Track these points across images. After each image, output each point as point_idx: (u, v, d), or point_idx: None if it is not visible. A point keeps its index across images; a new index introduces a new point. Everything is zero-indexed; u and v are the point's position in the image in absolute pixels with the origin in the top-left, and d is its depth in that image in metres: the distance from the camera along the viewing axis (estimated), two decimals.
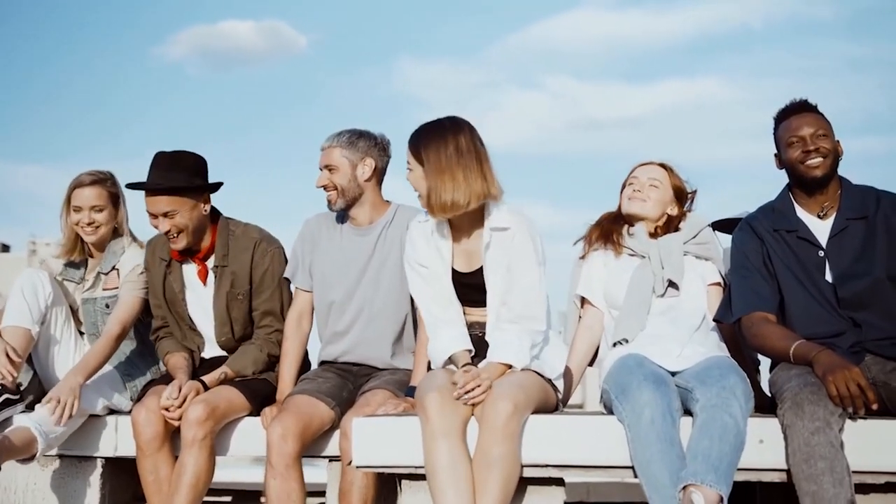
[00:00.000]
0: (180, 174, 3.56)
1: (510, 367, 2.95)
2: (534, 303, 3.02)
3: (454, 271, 3.11)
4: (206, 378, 3.51)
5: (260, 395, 3.57)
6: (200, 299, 3.70)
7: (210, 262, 3.68)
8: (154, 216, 3.55)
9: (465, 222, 3.09)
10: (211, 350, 3.76)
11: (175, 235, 3.55)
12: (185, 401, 3.37)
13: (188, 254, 3.67)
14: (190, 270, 3.71)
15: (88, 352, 3.68)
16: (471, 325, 3.12)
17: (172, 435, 3.42)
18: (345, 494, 3.19)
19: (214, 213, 3.71)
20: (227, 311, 3.66)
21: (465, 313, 3.13)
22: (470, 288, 3.11)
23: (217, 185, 3.69)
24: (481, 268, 3.08)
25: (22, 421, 3.39)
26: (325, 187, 3.55)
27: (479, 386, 2.83)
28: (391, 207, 3.64)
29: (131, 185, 3.67)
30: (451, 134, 3.01)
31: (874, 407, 2.73)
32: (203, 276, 3.69)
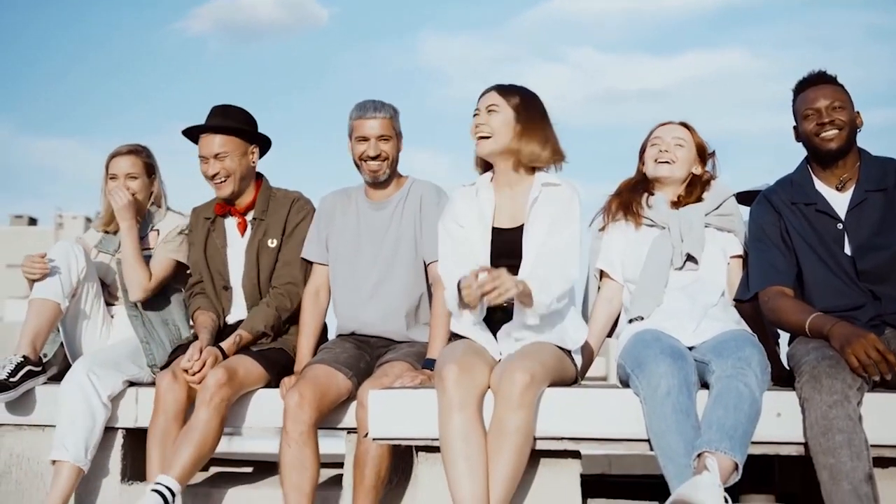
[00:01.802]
0: (235, 121, 3.77)
1: (530, 301, 2.88)
2: (569, 258, 3.02)
3: (494, 229, 3.11)
4: (224, 345, 3.55)
5: (277, 364, 3.61)
6: (237, 252, 3.81)
7: (249, 216, 3.81)
8: (206, 159, 3.72)
9: (514, 179, 3.14)
10: (237, 313, 3.81)
11: (223, 179, 3.72)
12: (204, 365, 3.42)
13: (230, 204, 3.80)
14: (231, 224, 3.84)
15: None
16: None
17: (189, 408, 3.45)
18: (359, 465, 3.21)
19: (258, 176, 3.87)
20: (257, 258, 3.76)
21: None
22: (507, 247, 3.08)
23: (267, 141, 3.86)
24: (522, 225, 3.09)
25: (60, 456, 3.41)
26: (377, 157, 3.55)
27: (497, 287, 2.76)
28: (408, 181, 3.67)
29: (189, 129, 3.82)
30: (538, 97, 3.19)
31: None
32: (242, 228, 3.82)
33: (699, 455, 2.61)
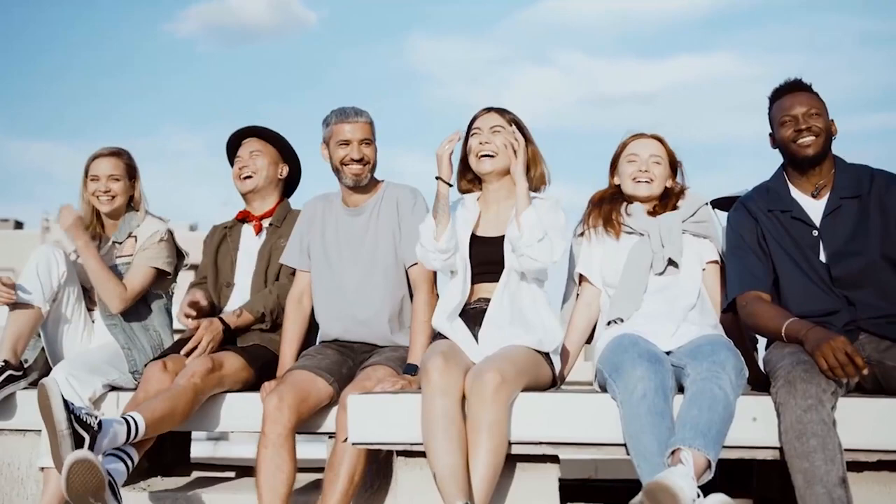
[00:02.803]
0: (270, 133, 3.98)
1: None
2: (554, 238, 3.09)
3: (479, 237, 3.21)
4: (224, 316, 3.67)
5: (260, 359, 3.64)
6: (248, 253, 3.90)
7: (266, 222, 3.96)
8: (241, 157, 3.93)
9: (503, 195, 3.25)
10: (234, 301, 3.86)
11: (250, 174, 3.91)
12: (199, 313, 3.62)
13: (250, 202, 3.97)
14: (247, 228, 3.98)
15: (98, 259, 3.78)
16: (477, 301, 3.18)
17: None
18: (333, 467, 3.20)
19: (282, 196, 4.04)
20: (269, 257, 3.84)
21: (473, 291, 3.19)
22: (488, 254, 3.17)
23: (297, 172, 4.05)
24: (504, 236, 3.17)
25: (48, 463, 3.36)
26: (360, 160, 3.57)
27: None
28: (382, 185, 3.69)
29: (236, 133, 3.99)
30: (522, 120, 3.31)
31: (865, 372, 2.75)
32: (258, 229, 3.95)
33: (673, 452, 2.63)
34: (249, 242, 3.94)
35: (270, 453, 3.20)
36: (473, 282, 3.20)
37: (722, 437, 2.71)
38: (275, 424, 3.21)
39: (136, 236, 3.88)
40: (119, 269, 3.84)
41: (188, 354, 3.53)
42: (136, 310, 3.85)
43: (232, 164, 4.01)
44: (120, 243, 3.89)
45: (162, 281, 3.94)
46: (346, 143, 3.56)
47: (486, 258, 3.18)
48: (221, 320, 3.64)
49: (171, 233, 3.97)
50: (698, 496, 2.54)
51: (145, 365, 3.62)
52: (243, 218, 3.98)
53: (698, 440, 2.62)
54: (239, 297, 3.85)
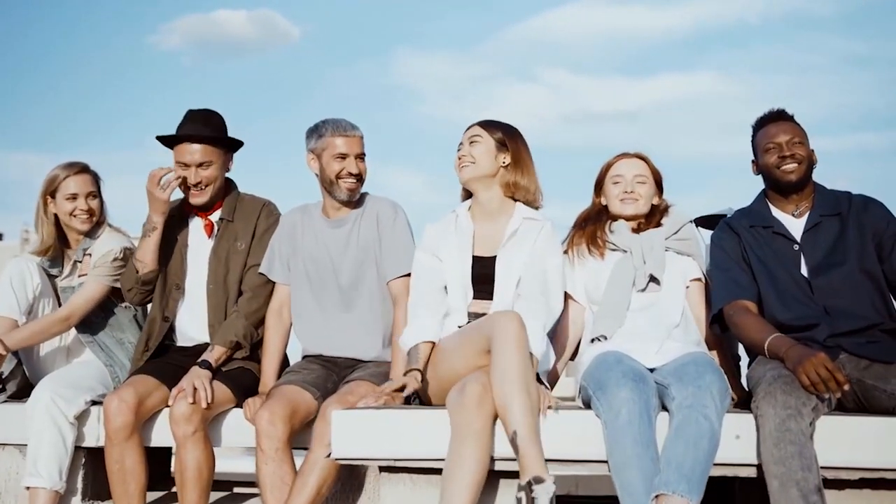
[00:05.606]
0: (217, 129, 3.68)
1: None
2: (555, 288, 3.14)
3: (477, 258, 3.21)
4: (208, 357, 3.51)
5: (243, 385, 3.57)
6: (199, 254, 3.70)
7: (215, 217, 3.72)
8: (187, 166, 3.60)
9: (495, 208, 3.26)
10: (185, 315, 3.71)
11: (203, 188, 3.64)
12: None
13: (197, 208, 3.72)
14: (196, 226, 3.75)
15: (25, 325, 3.67)
16: (473, 315, 3.18)
17: (143, 427, 3.45)
18: (303, 473, 3.16)
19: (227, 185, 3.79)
20: (227, 259, 3.66)
21: (470, 305, 3.20)
22: (483, 275, 3.18)
23: (240, 144, 3.76)
24: (496, 256, 3.19)
25: (35, 483, 3.41)
26: (357, 175, 3.53)
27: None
28: (364, 197, 3.64)
29: (169, 137, 3.65)
30: (520, 133, 3.33)
31: (846, 388, 2.78)
32: (209, 229, 3.72)
33: (657, 497, 2.65)
34: (202, 243, 3.72)
35: (273, 468, 3.20)
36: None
37: (706, 476, 2.71)
38: (271, 440, 3.20)
39: (90, 253, 3.76)
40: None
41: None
42: (108, 326, 3.80)
43: (166, 144, 3.67)
44: (80, 261, 3.79)
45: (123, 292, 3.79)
46: (344, 156, 3.51)
47: (482, 278, 3.20)
48: (205, 364, 3.49)
49: (127, 250, 3.78)
50: None
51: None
52: (191, 210, 3.74)
53: (682, 484, 2.64)
54: (189, 304, 3.70)
